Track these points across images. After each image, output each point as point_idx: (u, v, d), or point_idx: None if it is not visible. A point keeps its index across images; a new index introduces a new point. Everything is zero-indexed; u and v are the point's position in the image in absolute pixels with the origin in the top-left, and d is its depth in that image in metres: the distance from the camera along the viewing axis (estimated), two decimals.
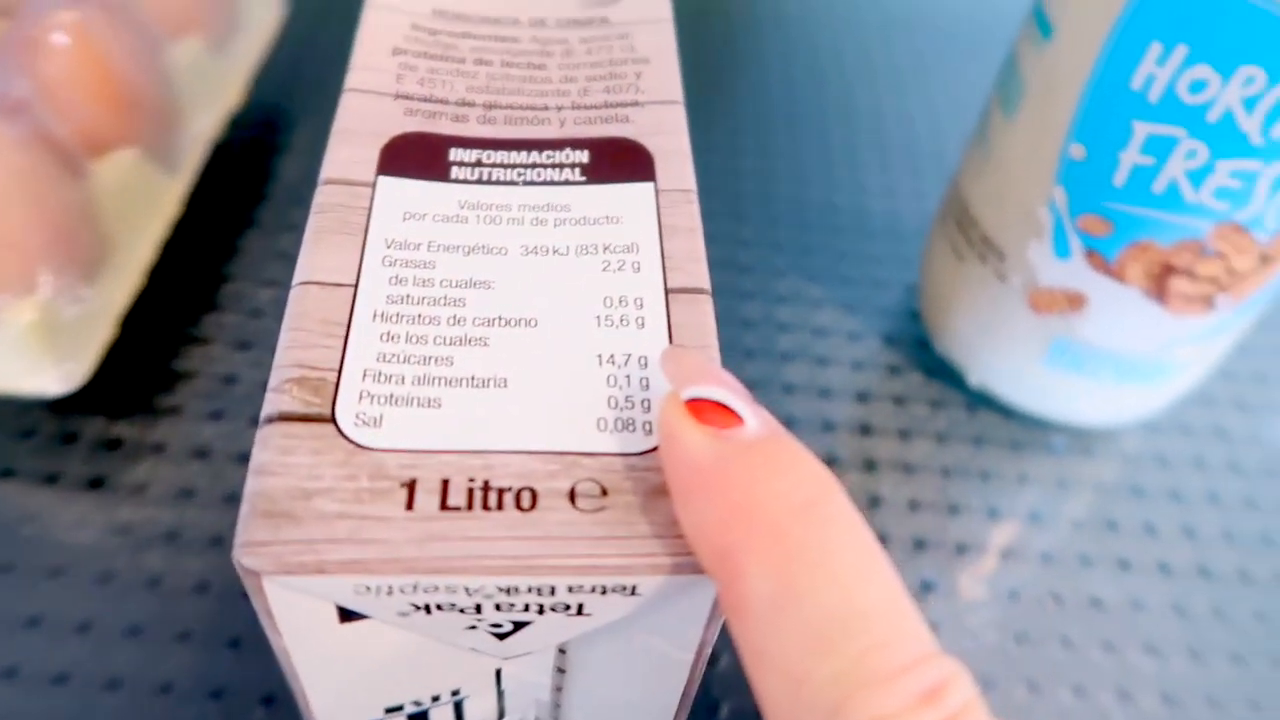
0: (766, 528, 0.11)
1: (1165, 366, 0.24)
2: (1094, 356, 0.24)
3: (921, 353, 0.28)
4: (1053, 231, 0.22)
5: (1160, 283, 0.22)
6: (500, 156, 0.18)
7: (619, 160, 0.18)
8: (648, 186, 0.17)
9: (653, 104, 0.19)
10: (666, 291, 0.15)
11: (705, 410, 0.12)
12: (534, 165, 0.18)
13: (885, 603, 0.11)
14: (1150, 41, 0.19)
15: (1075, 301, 0.23)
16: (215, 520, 0.22)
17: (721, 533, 0.11)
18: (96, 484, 0.23)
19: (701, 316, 0.15)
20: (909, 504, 0.25)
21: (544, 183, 0.17)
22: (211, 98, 0.28)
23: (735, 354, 0.27)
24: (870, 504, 0.25)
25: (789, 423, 0.26)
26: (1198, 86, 0.18)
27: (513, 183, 0.17)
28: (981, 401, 0.27)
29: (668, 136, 0.18)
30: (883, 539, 0.24)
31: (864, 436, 0.26)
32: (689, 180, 0.18)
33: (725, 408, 0.12)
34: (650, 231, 0.16)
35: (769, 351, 0.28)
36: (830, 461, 0.25)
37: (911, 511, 0.25)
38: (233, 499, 0.23)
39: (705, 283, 0.16)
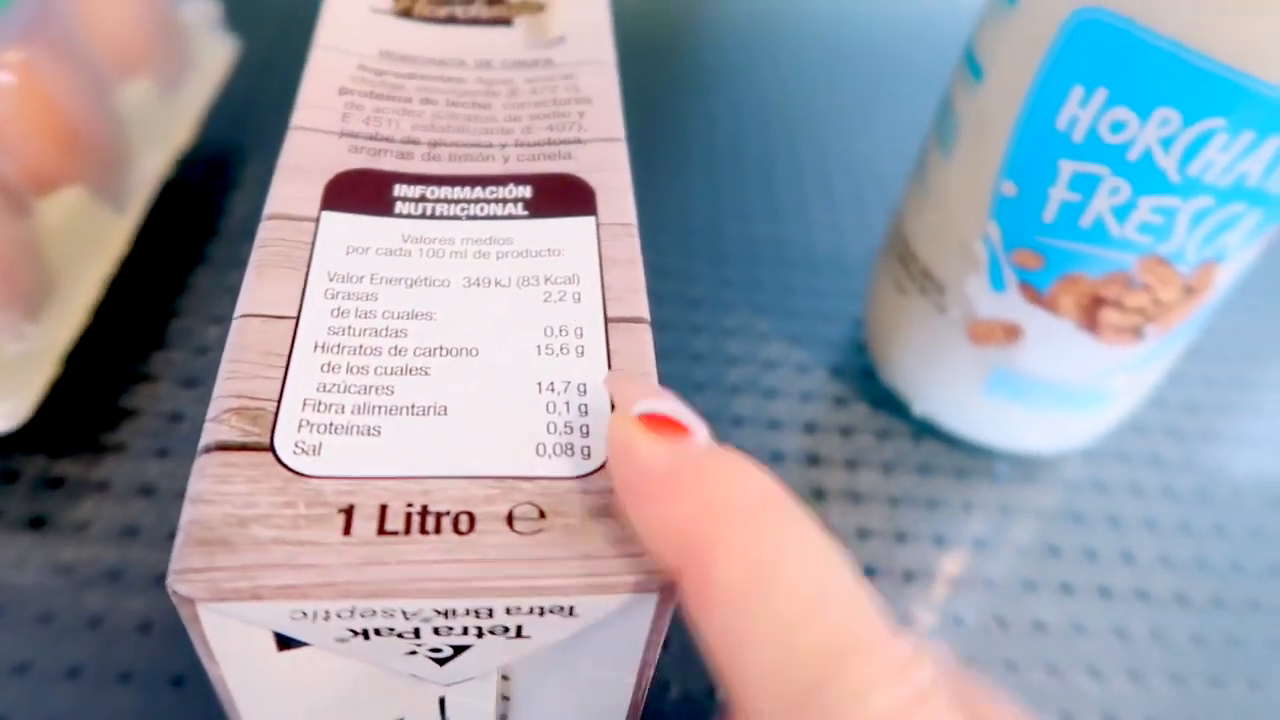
0: (733, 518, 0.12)
1: (1100, 395, 0.25)
2: (1032, 386, 0.24)
3: (868, 384, 0.28)
4: (988, 265, 0.23)
5: (1091, 314, 0.22)
6: (444, 192, 0.18)
7: (561, 195, 0.18)
8: (589, 220, 0.18)
9: (595, 141, 0.20)
10: (606, 321, 0.16)
11: (655, 424, 0.13)
12: (478, 200, 0.18)
13: (851, 584, 0.11)
14: (1072, 85, 0.19)
15: (1012, 333, 0.23)
16: (159, 559, 0.22)
17: (686, 528, 0.12)
18: (37, 523, 0.22)
19: (640, 345, 0.15)
20: (857, 532, 0.25)
21: (487, 217, 0.18)
22: (161, 137, 0.28)
23: (685, 387, 0.28)
24: None
25: None
26: (1118, 127, 0.19)
27: (456, 217, 0.18)
28: (926, 431, 0.27)
29: (609, 173, 0.19)
30: None
31: (812, 467, 0.26)
32: (629, 214, 0.18)
33: (674, 422, 0.13)
34: (591, 263, 0.17)
35: (718, 384, 0.28)
36: None
37: (860, 540, 0.25)
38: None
39: (644, 312, 0.16)
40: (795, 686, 0.11)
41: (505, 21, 0.24)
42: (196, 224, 0.30)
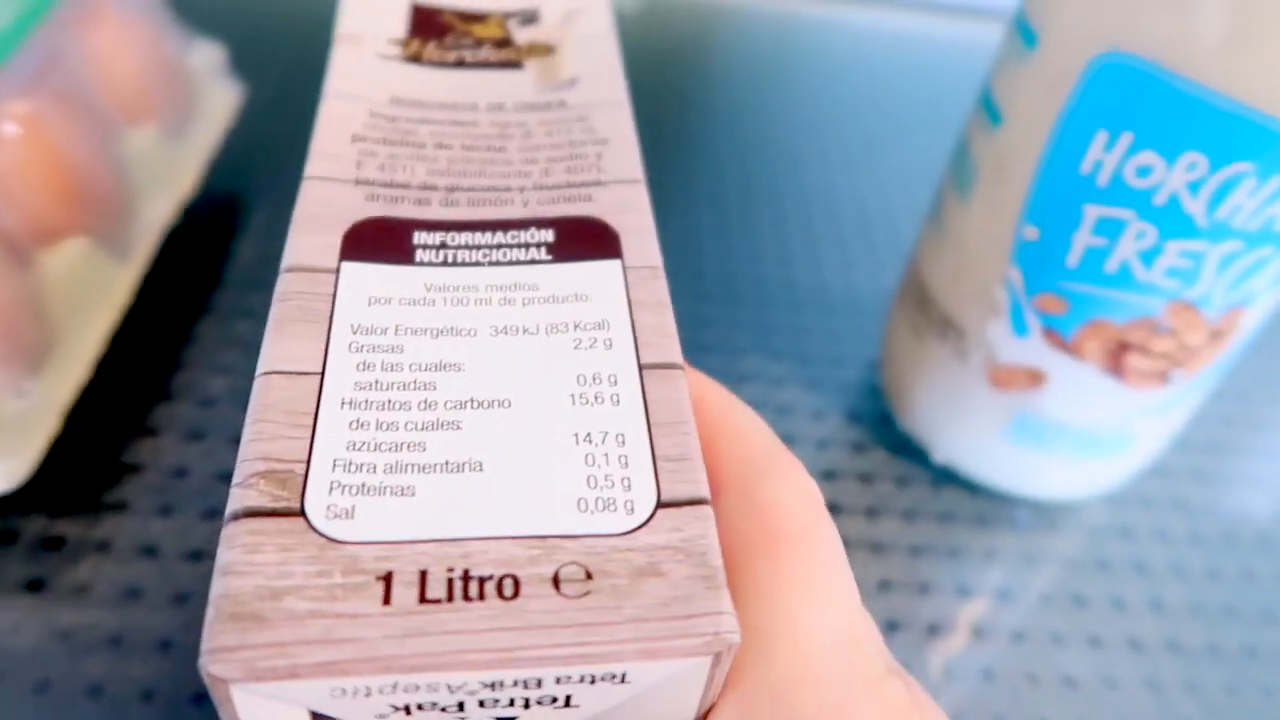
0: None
1: (1124, 439, 0.24)
2: (1055, 431, 0.24)
3: (885, 429, 0.28)
4: (1010, 310, 0.22)
5: (1117, 359, 0.22)
6: (465, 238, 0.18)
7: (585, 238, 0.18)
8: (615, 264, 0.17)
9: (615, 183, 0.19)
10: (640, 367, 0.15)
11: None
12: (500, 245, 0.18)
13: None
14: (1097, 129, 0.19)
15: (1035, 378, 0.23)
16: (163, 623, 0.21)
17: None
18: (35, 586, 0.22)
19: (676, 391, 0.15)
20: (879, 584, 0.24)
21: (510, 262, 0.17)
22: (166, 183, 0.28)
23: None
24: None
25: None
26: (1144, 171, 0.19)
27: (479, 264, 0.17)
28: (946, 477, 0.27)
29: (631, 214, 0.18)
30: None
31: (832, 515, 0.26)
32: (655, 257, 0.17)
33: None
34: (620, 308, 0.16)
35: None
36: None
37: (882, 592, 0.24)
38: (182, 599, 0.22)
39: (678, 358, 0.15)
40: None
41: (515, 65, 0.23)
42: (201, 272, 0.29)
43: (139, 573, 0.22)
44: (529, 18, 0.25)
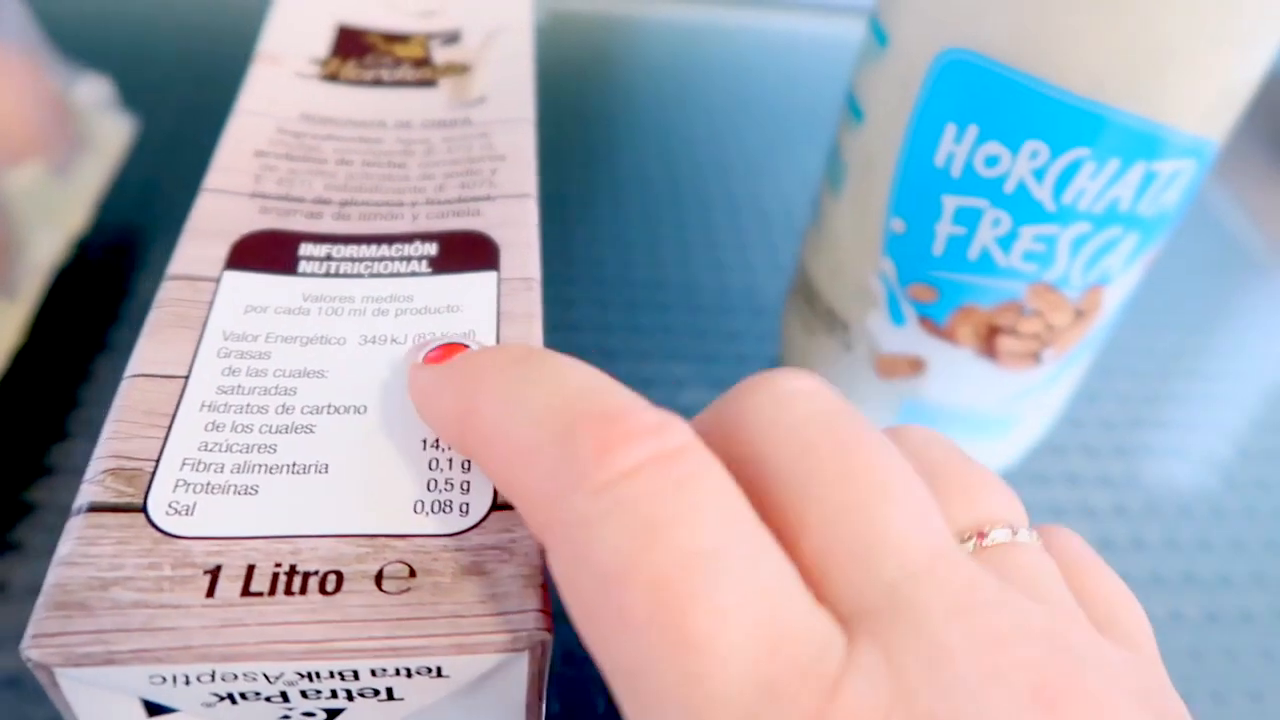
0: (491, 372, 0.13)
1: (1008, 419, 0.25)
2: (942, 415, 0.25)
3: None
4: (886, 301, 0.23)
5: (988, 342, 0.23)
6: (350, 251, 0.18)
7: (466, 251, 0.18)
8: (490, 275, 0.18)
9: (504, 198, 0.20)
10: None
11: (438, 355, 0.15)
12: (383, 258, 0.18)
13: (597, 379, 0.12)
14: (945, 123, 0.20)
15: (916, 365, 0.24)
16: None
17: (456, 402, 0.14)
18: None
19: None
20: None
21: (391, 274, 0.18)
22: (53, 222, 0.28)
23: None
24: None
25: None
26: (992, 161, 0.20)
27: (359, 275, 0.18)
28: None
29: (515, 228, 0.19)
30: None
31: None
32: (532, 269, 0.18)
33: (456, 345, 0.15)
34: (489, 318, 0.17)
35: None
36: None
37: None
38: None
39: None
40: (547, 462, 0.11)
41: (430, 83, 0.24)
42: (98, 309, 0.30)
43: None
44: (451, 38, 0.26)
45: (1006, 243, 0.21)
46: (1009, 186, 0.20)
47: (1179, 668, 0.24)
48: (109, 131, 0.32)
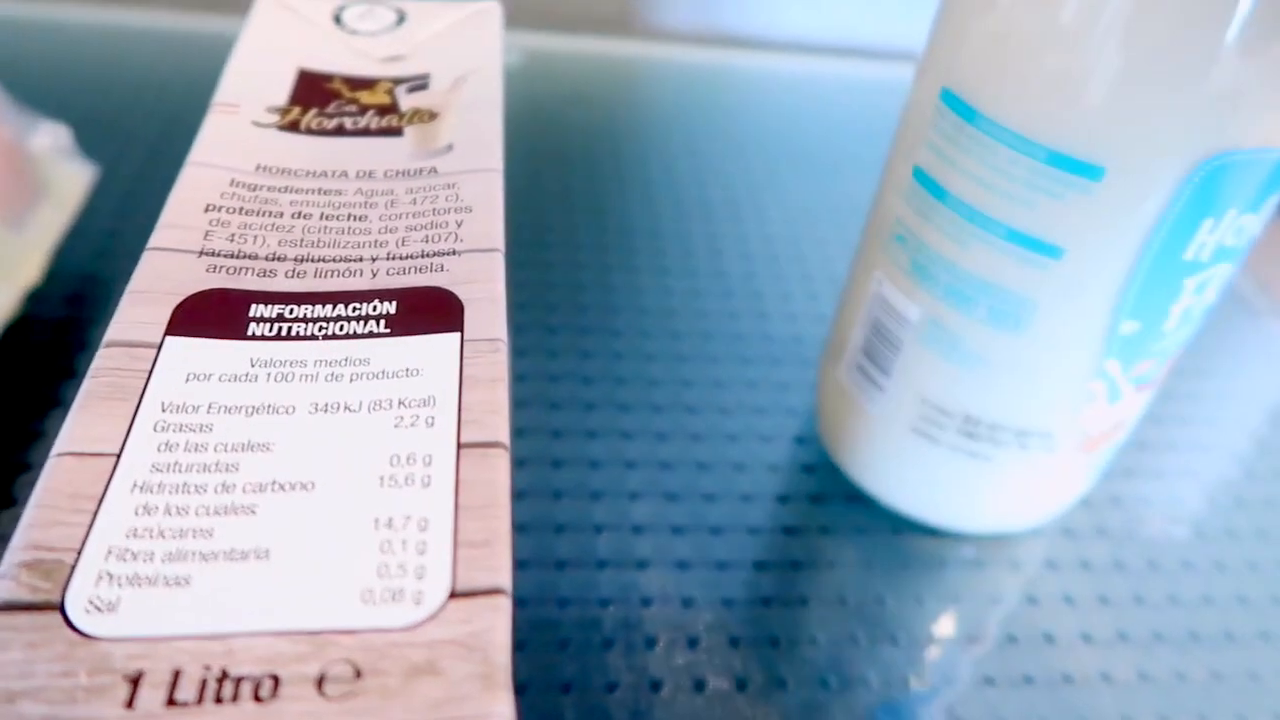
0: None
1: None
2: None
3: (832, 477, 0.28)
4: (1107, 394, 0.23)
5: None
6: (304, 311, 0.17)
7: (428, 310, 0.17)
8: (453, 337, 0.17)
9: (470, 252, 0.19)
10: (459, 446, 0.15)
11: None
12: (339, 318, 0.17)
13: None
14: (1202, 220, 0.20)
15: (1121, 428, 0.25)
16: None
17: None
18: None
19: (492, 472, 0.14)
20: (846, 639, 0.24)
21: (347, 336, 0.17)
22: (6, 274, 0.27)
23: (582, 496, 0.27)
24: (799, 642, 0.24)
25: (685, 599, 0.25)
26: (1241, 230, 0.20)
27: (313, 337, 0.17)
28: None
29: (482, 284, 0.18)
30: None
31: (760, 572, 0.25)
32: (499, 329, 0.17)
33: None
34: (450, 384, 0.16)
35: (621, 493, 0.27)
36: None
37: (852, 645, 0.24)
38: None
39: (502, 436, 0.15)
40: None
41: (395, 131, 0.23)
42: (51, 364, 0.28)
43: None
44: (418, 84, 0.25)
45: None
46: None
47: None
48: (67, 180, 0.31)
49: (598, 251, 0.35)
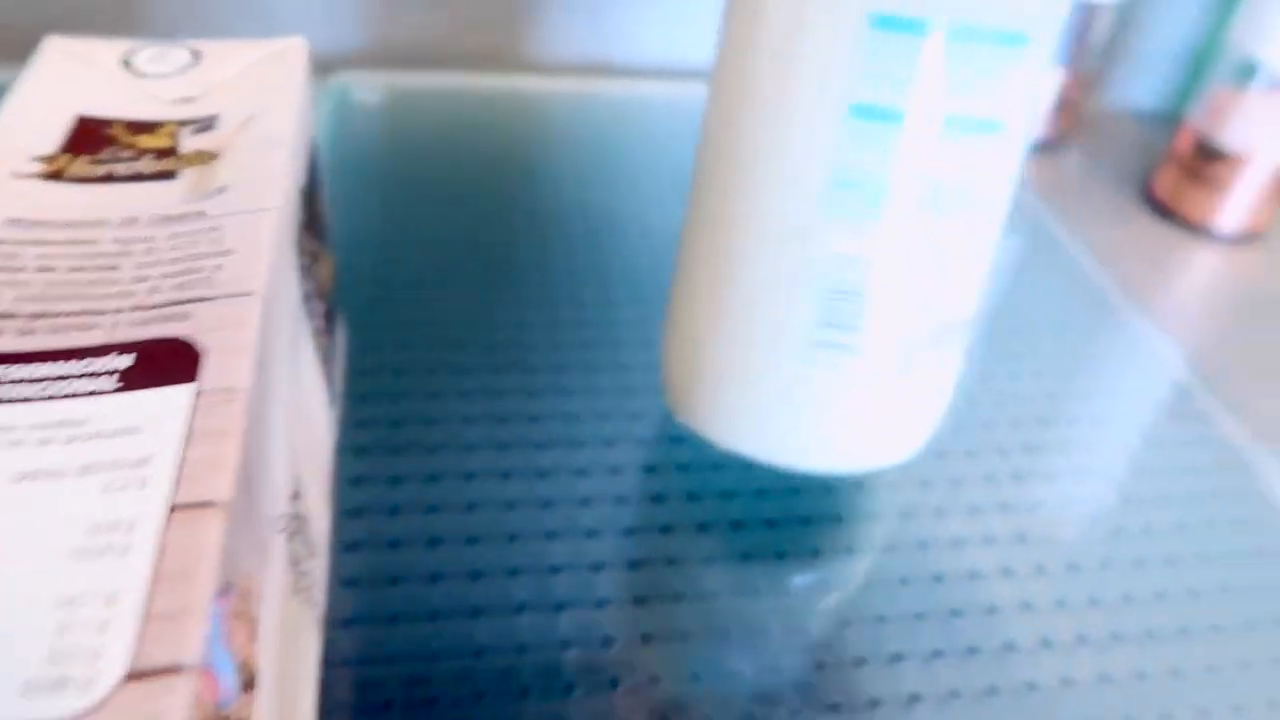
0: None
1: None
2: None
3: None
4: None
5: None
6: (27, 371, 0.16)
7: (164, 362, 0.16)
8: (186, 389, 0.16)
9: (224, 298, 0.18)
10: (171, 509, 0.13)
11: None
12: (64, 377, 0.16)
13: None
14: None
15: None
16: None
17: None
18: None
19: (201, 536, 0.13)
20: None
21: (68, 395, 0.15)
22: None
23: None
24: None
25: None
26: None
27: (30, 399, 0.15)
28: None
29: (231, 331, 0.17)
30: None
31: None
32: (240, 378, 0.16)
33: None
34: (172, 440, 0.15)
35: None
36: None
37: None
38: None
39: (221, 493, 0.14)
40: None
41: (170, 175, 0.22)
42: None
43: None
44: (205, 125, 0.24)
45: None
46: None
47: None
48: None
49: (445, 285, 0.34)
